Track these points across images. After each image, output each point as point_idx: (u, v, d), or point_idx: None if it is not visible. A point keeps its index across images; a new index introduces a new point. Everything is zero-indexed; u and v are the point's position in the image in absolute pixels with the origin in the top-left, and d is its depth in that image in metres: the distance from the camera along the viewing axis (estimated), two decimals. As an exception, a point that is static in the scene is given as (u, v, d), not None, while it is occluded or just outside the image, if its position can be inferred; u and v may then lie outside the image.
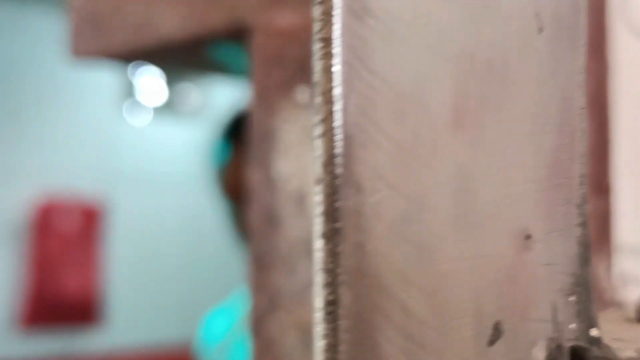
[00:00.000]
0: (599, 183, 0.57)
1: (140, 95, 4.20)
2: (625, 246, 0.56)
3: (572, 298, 0.28)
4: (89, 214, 3.75)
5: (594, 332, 0.29)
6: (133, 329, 3.98)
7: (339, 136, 0.24)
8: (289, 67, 0.67)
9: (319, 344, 0.24)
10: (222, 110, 4.15)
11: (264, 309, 0.67)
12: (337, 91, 0.24)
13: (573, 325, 0.28)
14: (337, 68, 0.24)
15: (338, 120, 0.24)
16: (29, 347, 3.65)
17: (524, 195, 0.28)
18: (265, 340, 0.66)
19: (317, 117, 0.25)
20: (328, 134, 0.24)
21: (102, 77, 3.89)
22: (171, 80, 4.30)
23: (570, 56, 0.29)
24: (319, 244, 0.24)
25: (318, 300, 0.24)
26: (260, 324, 0.67)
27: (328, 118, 0.24)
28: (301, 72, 0.66)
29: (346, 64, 0.25)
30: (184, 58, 0.87)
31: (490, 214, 0.27)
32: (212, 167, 1.42)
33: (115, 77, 3.96)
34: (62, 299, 3.60)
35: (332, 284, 0.24)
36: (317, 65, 0.25)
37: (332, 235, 0.24)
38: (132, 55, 0.86)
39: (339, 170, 0.24)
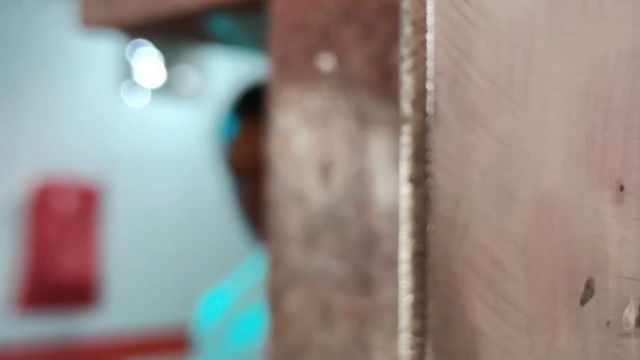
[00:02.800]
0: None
1: (139, 76, 4.17)
2: None
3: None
4: (86, 196, 3.73)
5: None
6: (130, 311, 3.97)
7: (430, 70, 0.22)
8: (310, 34, 0.65)
9: (406, 297, 0.22)
10: (220, 91, 4.15)
11: (283, 284, 0.64)
12: (429, 20, 0.22)
13: None
14: (427, -4, 0.22)
15: (430, 52, 0.22)
16: (26, 329, 3.63)
17: (620, 141, 0.25)
18: (284, 316, 0.64)
19: (406, 50, 0.22)
20: (418, 68, 0.22)
21: (100, 58, 3.87)
22: (169, 61, 4.27)
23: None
24: (406, 189, 0.22)
25: (405, 250, 0.22)
26: (279, 299, 0.65)
27: (419, 50, 0.22)
28: (323, 39, 0.64)
29: (437, -9, 0.22)
30: (193, 30, 0.84)
31: (584, 160, 0.25)
32: (219, 143, 1.39)
33: (113, 58, 3.93)
34: (59, 281, 3.58)
35: (421, 233, 0.21)
36: (405, -8, 0.22)
37: (421, 180, 0.22)
38: (142, 25, 0.84)
39: (429, 109, 0.22)
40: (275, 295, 0.65)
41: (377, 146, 0.60)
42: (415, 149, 0.22)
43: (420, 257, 0.22)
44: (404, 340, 0.23)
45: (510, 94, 0.23)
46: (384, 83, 0.60)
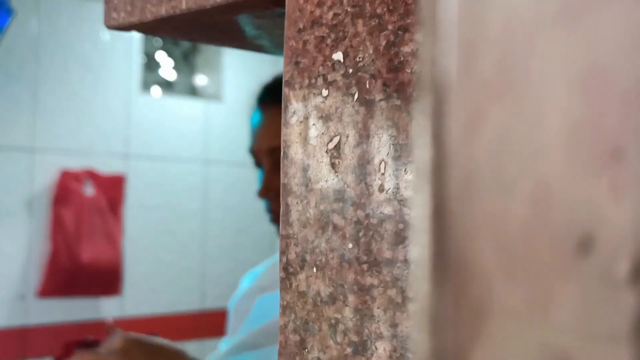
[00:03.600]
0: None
1: (159, 68, 4.24)
2: None
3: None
4: (107, 185, 3.79)
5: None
6: (148, 301, 4.03)
7: (440, 56, 0.26)
8: (322, 28, 0.68)
9: (424, 258, 0.25)
10: (237, 85, 4.23)
11: (296, 263, 0.68)
12: (440, 10, 0.26)
13: None
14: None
15: (442, 42, 0.26)
16: (46, 316, 3.69)
17: (616, 130, 0.29)
18: (296, 293, 0.68)
19: (421, 35, 0.26)
20: (427, 58, 0.26)
21: (121, 50, 3.93)
22: (187, 55, 4.34)
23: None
24: (420, 176, 0.25)
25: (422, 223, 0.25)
26: (291, 278, 0.68)
27: (429, 38, 0.26)
28: (335, 32, 0.68)
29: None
30: (218, 31, 0.88)
31: (581, 149, 0.28)
32: (250, 133, 1.46)
33: (134, 50, 4.00)
34: (80, 270, 3.63)
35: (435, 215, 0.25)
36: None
37: (434, 167, 0.25)
38: (166, 24, 0.88)
39: (439, 93, 0.25)
40: (288, 274, 0.69)
41: (386, 135, 0.63)
42: (428, 135, 0.25)
43: (437, 214, 0.25)
44: (422, 296, 0.27)
45: (512, 84, 0.27)
46: (394, 74, 0.63)
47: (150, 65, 4.23)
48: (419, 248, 0.25)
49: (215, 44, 0.98)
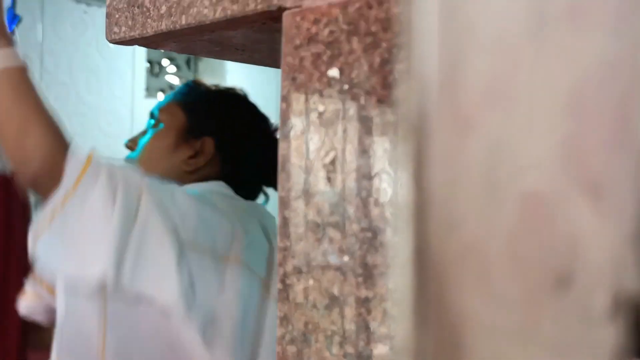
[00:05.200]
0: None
1: (163, 73, 4.25)
2: None
3: (636, 244, 0.31)
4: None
5: None
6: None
7: (425, 76, 0.27)
8: (318, 45, 0.70)
9: (405, 285, 0.26)
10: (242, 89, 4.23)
11: (293, 274, 0.70)
12: (427, 28, 0.27)
13: (636, 274, 0.31)
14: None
15: (426, 59, 0.27)
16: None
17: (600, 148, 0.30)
18: (293, 304, 0.69)
19: (403, 56, 0.27)
20: (413, 74, 0.27)
21: (125, 56, 3.94)
22: (191, 59, 4.36)
23: None
24: (405, 189, 0.27)
25: (404, 245, 0.27)
26: (288, 288, 0.70)
27: (411, 57, 0.27)
28: (331, 49, 0.69)
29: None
30: (217, 44, 0.90)
31: (566, 163, 0.29)
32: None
33: (138, 56, 4.01)
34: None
35: (419, 230, 0.26)
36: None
37: (419, 180, 0.27)
38: (167, 39, 0.89)
39: (424, 113, 0.27)
40: (285, 286, 0.70)
41: (380, 148, 0.65)
42: (413, 150, 0.27)
43: (418, 251, 0.27)
44: (400, 319, 0.28)
45: (500, 100, 0.28)
46: (387, 90, 0.65)
47: (154, 70, 4.25)
48: (399, 287, 0.26)
49: (215, 57, 0.99)
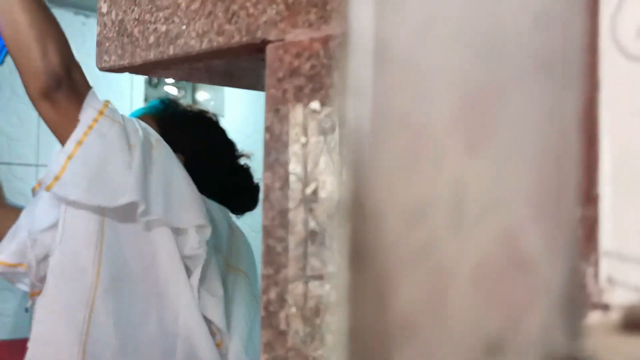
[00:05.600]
0: (588, 192, 0.61)
1: (161, 84, 4.27)
2: (611, 252, 0.60)
3: (564, 311, 0.32)
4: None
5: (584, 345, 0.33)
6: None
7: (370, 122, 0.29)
8: (302, 81, 0.72)
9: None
10: (237, 100, 4.25)
11: (276, 302, 0.71)
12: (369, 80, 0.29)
13: (565, 339, 0.32)
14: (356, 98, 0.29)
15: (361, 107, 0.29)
16: None
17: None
18: (277, 331, 0.71)
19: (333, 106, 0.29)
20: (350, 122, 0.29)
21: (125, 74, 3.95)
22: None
23: (568, 92, 0.34)
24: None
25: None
26: (271, 316, 0.71)
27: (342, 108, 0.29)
28: (313, 82, 0.71)
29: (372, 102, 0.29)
30: (204, 72, 0.91)
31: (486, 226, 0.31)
32: None
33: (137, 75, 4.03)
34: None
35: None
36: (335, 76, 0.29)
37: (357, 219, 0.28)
38: (154, 67, 0.91)
39: (368, 155, 0.29)
40: (268, 313, 0.72)
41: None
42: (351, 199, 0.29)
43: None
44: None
45: (447, 141, 0.30)
46: (367, 124, 0.66)
47: (153, 81, 4.26)
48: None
49: (204, 83, 1.01)
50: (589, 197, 0.62)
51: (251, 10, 0.78)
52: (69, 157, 1.32)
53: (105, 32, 0.93)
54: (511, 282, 0.28)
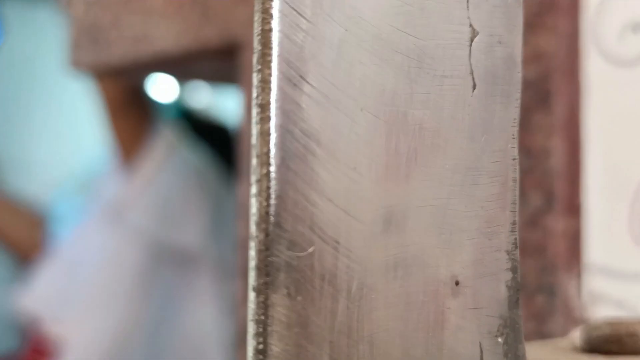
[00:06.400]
0: (570, 203, 0.58)
1: (152, 90, 4.24)
2: (594, 266, 0.58)
3: (500, 339, 0.30)
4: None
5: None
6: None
7: (272, 196, 0.26)
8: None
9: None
10: (232, 107, 4.23)
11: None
12: (271, 154, 0.26)
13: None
14: (272, 132, 0.26)
15: (272, 181, 0.26)
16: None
17: (454, 243, 0.30)
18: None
19: (253, 178, 0.27)
20: (262, 194, 0.26)
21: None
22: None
23: (504, 110, 0.31)
24: (251, 296, 0.26)
25: (249, 349, 0.26)
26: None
27: (262, 180, 0.26)
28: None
29: (281, 127, 0.27)
30: (179, 71, 0.89)
31: (419, 262, 0.29)
32: None
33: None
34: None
35: (262, 334, 0.26)
36: (254, 129, 0.27)
37: (263, 289, 0.26)
38: (130, 67, 0.88)
39: (271, 228, 0.26)
40: (243, 329, 0.70)
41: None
42: (258, 262, 0.26)
43: (261, 355, 0.26)
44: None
45: (348, 209, 0.28)
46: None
47: (148, 85, 4.23)
48: None
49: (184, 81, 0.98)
50: (571, 208, 0.59)
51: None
52: None
53: (80, 26, 0.90)
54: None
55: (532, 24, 0.59)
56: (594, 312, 0.58)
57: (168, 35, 0.81)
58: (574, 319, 0.58)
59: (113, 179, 1.34)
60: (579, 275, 0.58)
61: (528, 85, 0.59)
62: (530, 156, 0.59)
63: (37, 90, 3.67)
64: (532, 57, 0.59)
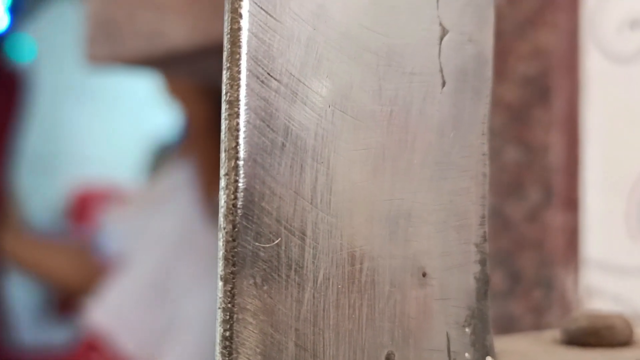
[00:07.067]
0: (569, 198, 0.59)
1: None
2: (591, 260, 0.58)
3: (468, 329, 0.31)
4: (115, 203, 3.82)
5: (488, 360, 0.31)
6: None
7: (240, 189, 0.27)
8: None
9: None
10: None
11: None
12: (239, 149, 0.27)
13: (468, 355, 0.31)
14: (240, 128, 0.27)
15: (240, 175, 0.27)
16: (66, 333, 3.73)
17: (422, 235, 0.30)
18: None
19: (222, 172, 0.28)
20: (230, 187, 0.27)
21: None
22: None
23: (474, 106, 0.32)
24: (219, 285, 0.27)
25: (217, 335, 0.27)
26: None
27: (230, 173, 0.27)
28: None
29: (248, 123, 0.28)
30: (191, 68, 0.90)
31: (385, 253, 0.30)
32: None
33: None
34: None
35: (228, 322, 0.27)
36: (223, 124, 0.28)
37: (229, 278, 0.27)
38: (143, 62, 0.90)
39: (238, 220, 0.27)
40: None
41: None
42: (225, 252, 0.27)
43: (228, 341, 0.27)
44: None
45: (315, 202, 0.29)
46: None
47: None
48: None
49: (190, 78, 1.00)
50: (570, 203, 0.60)
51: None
52: None
53: (96, 21, 0.92)
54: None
55: (532, 20, 0.60)
56: (591, 306, 0.58)
57: (181, 32, 0.82)
58: (571, 313, 0.58)
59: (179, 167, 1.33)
60: (576, 270, 0.59)
61: (528, 81, 0.60)
62: (529, 151, 0.60)
63: (85, 83, 3.69)
64: (531, 53, 0.60)
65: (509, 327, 0.59)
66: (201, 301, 1.24)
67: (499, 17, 0.60)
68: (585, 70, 0.59)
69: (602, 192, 0.58)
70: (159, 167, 1.60)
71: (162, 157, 1.72)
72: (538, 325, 0.58)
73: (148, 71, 0.94)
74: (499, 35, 0.59)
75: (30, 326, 3.59)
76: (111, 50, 0.90)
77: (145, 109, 3.99)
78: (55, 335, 3.67)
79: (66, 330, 3.59)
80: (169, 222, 1.31)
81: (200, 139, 1.24)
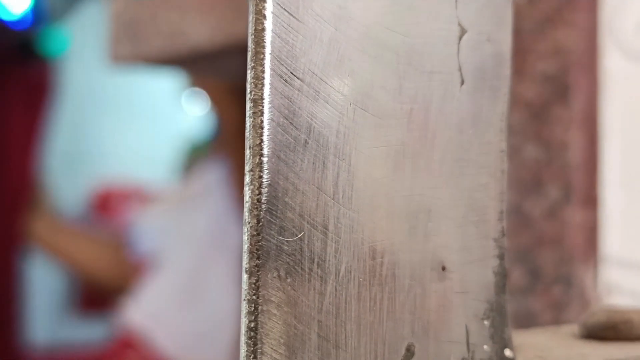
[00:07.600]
0: (588, 195, 0.60)
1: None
2: (611, 257, 0.58)
3: (487, 322, 0.32)
4: (147, 201, 3.84)
5: (507, 353, 0.32)
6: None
7: (264, 185, 0.28)
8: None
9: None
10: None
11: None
12: (264, 146, 0.28)
13: (486, 347, 0.32)
14: (264, 125, 0.28)
15: (264, 171, 0.28)
16: (87, 331, 3.75)
17: (442, 230, 0.31)
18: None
19: (246, 168, 0.28)
20: (254, 183, 0.28)
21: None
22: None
23: (492, 104, 0.33)
24: (244, 278, 0.28)
25: (242, 327, 0.28)
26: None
27: (254, 169, 0.28)
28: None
29: (272, 121, 0.28)
30: (213, 67, 0.91)
31: (406, 247, 0.30)
32: None
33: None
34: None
35: (253, 313, 0.28)
36: (248, 122, 0.29)
37: (254, 271, 0.28)
38: (166, 61, 0.91)
39: (262, 215, 0.28)
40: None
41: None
42: (250, 246, 0.28)
43: (253, 331, 0.28)
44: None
45: (337, 197, 0.29)
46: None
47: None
48: None
49: (212, 77, 1.01)
50: (589, 200, 0.60)
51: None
52: None
53: (120, 21, 0.93)
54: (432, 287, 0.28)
55: (552, 19, 0.60)
56: (610, 302, 0.59)
57: (203, 31, 0.83)
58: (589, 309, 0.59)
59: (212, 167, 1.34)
60: (595, 266, 0.59)
61: (547, 79, 0.60)
62: (548, 149, 0.60)
63: (113, 83, 3.72)
64: (551, 51, 0.60)
65: (528, 323, 0.60)
66: (235, 299, 1.25)
67: (519, 16, 0.61)
68: (604, 68, 0.59)
69: (621, 189, 0.59)
70: (192, 166, 1.61)
71: (195, 156, 1.72)
72: (557, 322, 0.59)
73: (171, 70, 0.95)
74: (519, 33, 0.60)
75: (54, 321, 3.61)
76: (134, 49, 0.91)
77: (172, 109, 4.02)
78: (85, 332, 3.70)
79: (98, 327, 3.62)
80: (203, 222, 1.31)
81: (233, 138, 1.25)
